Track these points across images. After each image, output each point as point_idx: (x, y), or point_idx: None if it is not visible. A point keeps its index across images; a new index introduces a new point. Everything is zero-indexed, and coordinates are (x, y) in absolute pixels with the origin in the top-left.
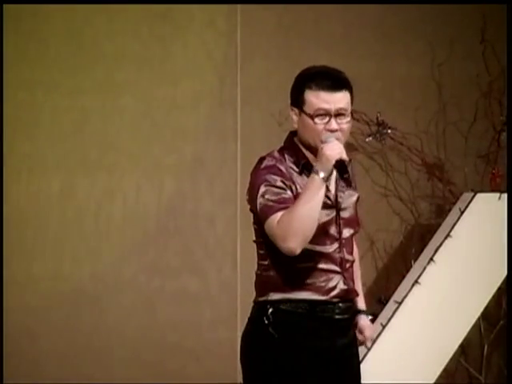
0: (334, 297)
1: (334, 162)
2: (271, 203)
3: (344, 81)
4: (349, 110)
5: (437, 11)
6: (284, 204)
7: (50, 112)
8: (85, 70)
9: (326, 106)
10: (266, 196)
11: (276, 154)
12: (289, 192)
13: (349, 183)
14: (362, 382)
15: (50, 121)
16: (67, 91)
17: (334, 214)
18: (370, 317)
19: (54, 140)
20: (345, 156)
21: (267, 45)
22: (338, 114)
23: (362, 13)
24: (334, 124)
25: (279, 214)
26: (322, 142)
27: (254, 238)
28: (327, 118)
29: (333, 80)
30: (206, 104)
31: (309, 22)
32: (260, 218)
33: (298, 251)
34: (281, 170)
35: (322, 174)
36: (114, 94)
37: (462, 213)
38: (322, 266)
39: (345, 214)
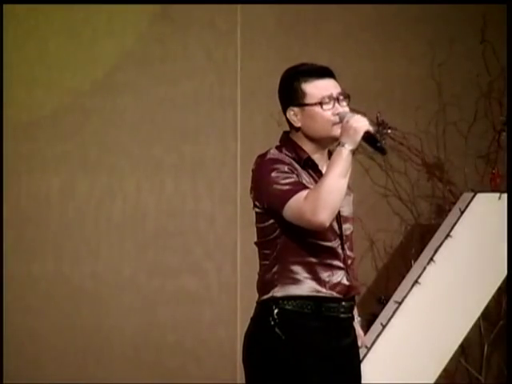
0: (338, 292)
1: (362, 133)
2: (288, 187)
3: (330, 69)
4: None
5: (437, 11)
6: (300, 186)
7: (49, 112)
8: (85, 69)
9: (327, 92)
10: (280, 181)
11: (274, 151)
12: (296, 177)
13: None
14: (362, 382)
15: (50, 121)
16: (67, 91)
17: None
18: (360, 320)
19: (54, 140)
20: (371, 128)
21: (267, 45)
22: (339, 99)
23: (362, 13)
24: (339, 108)
25: (303, 193)
26: (340, 117)
27: (256, 240)
28: (331, 104)
29: (322, 69)
30: (205, 104)
31: (309, 22)
32: (277, 205)
33: (327, 224)
34: (284, 161)
35: (348, 146)
36: (114, 94)
37: (462, 213)
38: (326, 260)
39: (344, 212)
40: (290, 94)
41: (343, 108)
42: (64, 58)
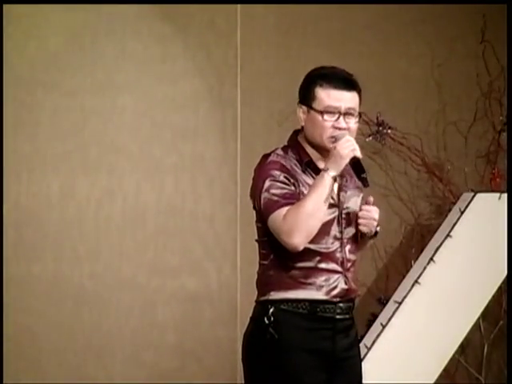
0: (335, 296)
1: (348, 160)
2: (276, 198)
3: (354, 82)
4: (357, 111)
5: (437, 11)
6: (289, 199)
7: (49, 112)
8: (85, 69)
9: (336, 103)
10: (271, 191)
11: (280, 152)
12: (292, 188)
13: (354, 180)
14: (363, 381)
15: (50, 121)
16: (67, 91)
17: (337, 213)
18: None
19: (54, 140)
20: (359, 154)
21: (267, 45)
22: (347, 114)
23: (362, 13)
24: (342, 122)
25: (285, 209)
26: (336, 139)
27: (256, 237)
28: (336, 116)
29: (344, 80)
30: (205, 104)
31: (309, 22)
32: (263, 213)
33: (302, 247)
34: (285, 167)
35: (332, 173)
36: (114, 94)
37: (462, 213)
38: (322, 265)
39: (347, 214)
40: (305, 92)
41: (348, 124)
42: (64, 58)
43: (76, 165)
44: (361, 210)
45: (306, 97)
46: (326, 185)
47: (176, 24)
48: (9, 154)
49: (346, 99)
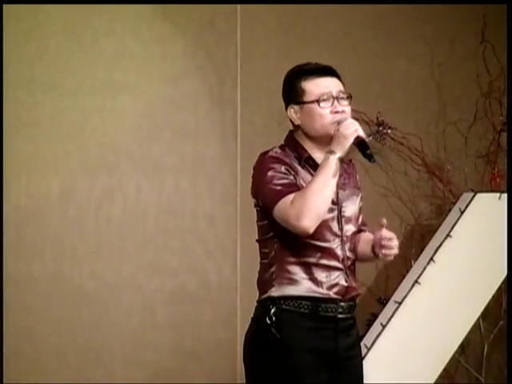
0: (336, 293)
1: (351, 140)
2: (280, 187)
3: (333, 69)
4: (346, 94)
5: (437, 11)
6: (292, 188)
7: (49, 112)
8: (85, 69)
9: (327, 89)
10: (274, 181)
11: (277, 149)
12: (292, 178)
13: (353, 181)
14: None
15: (50, 121)
16: (67, 91)
17: (336, 211)
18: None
19: (54, 140)
20: (362, 133)
21: (267, 45)
22: (339, 98)
23: (362, 13)
24: (338, 106)
25: (291, 196)
26: (338, 123)
27: (257, 237)
28: (331, 102)
29: (324, 69)
30: (205, 104)
31: (309, 22)
32: (268, 204)
33: (312, 230)
34: (284, 161)
35: (337, 154)
36: (114, 94)
37: (462, 213)
38: (323, 261)
39: (346, 212)
40: (291, 92)
41: (343, 107)
42: (64, 58)
43: (76, 165)
44: (378, 237)
45: (294, 95)
46: (331, 165)
47: (176, 24)
48: (9, 154)
49: (333, 84)
